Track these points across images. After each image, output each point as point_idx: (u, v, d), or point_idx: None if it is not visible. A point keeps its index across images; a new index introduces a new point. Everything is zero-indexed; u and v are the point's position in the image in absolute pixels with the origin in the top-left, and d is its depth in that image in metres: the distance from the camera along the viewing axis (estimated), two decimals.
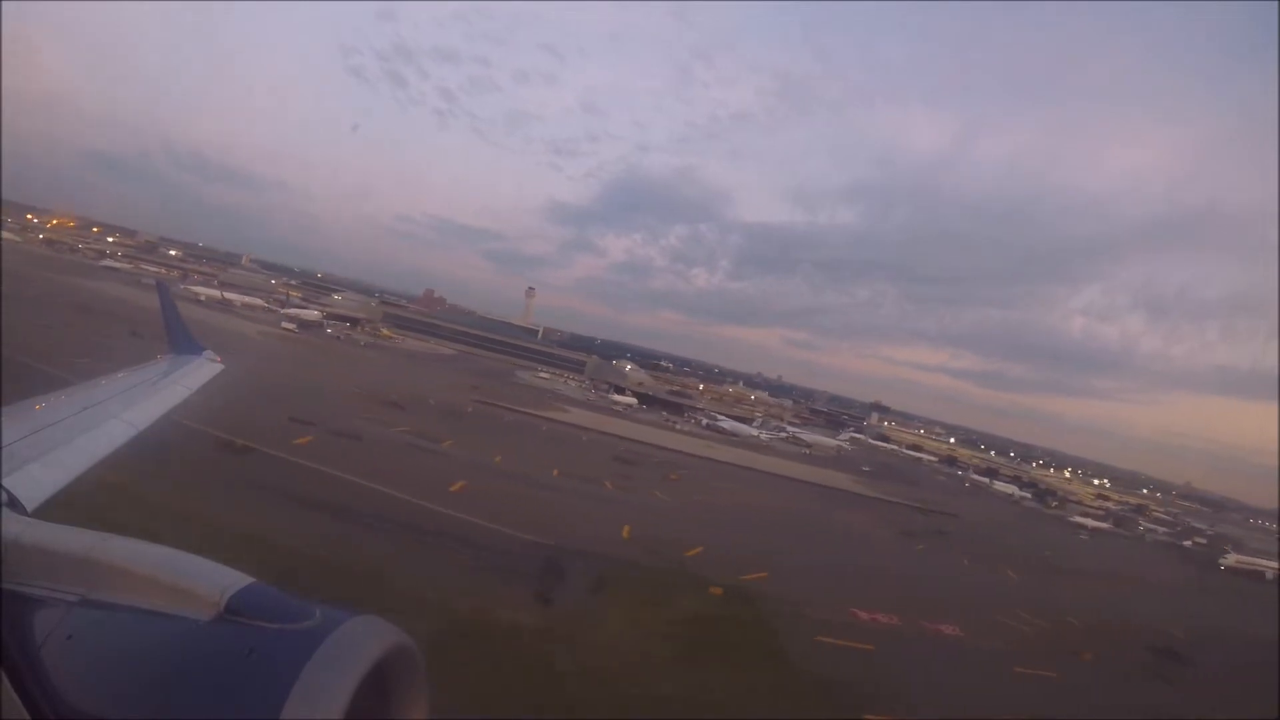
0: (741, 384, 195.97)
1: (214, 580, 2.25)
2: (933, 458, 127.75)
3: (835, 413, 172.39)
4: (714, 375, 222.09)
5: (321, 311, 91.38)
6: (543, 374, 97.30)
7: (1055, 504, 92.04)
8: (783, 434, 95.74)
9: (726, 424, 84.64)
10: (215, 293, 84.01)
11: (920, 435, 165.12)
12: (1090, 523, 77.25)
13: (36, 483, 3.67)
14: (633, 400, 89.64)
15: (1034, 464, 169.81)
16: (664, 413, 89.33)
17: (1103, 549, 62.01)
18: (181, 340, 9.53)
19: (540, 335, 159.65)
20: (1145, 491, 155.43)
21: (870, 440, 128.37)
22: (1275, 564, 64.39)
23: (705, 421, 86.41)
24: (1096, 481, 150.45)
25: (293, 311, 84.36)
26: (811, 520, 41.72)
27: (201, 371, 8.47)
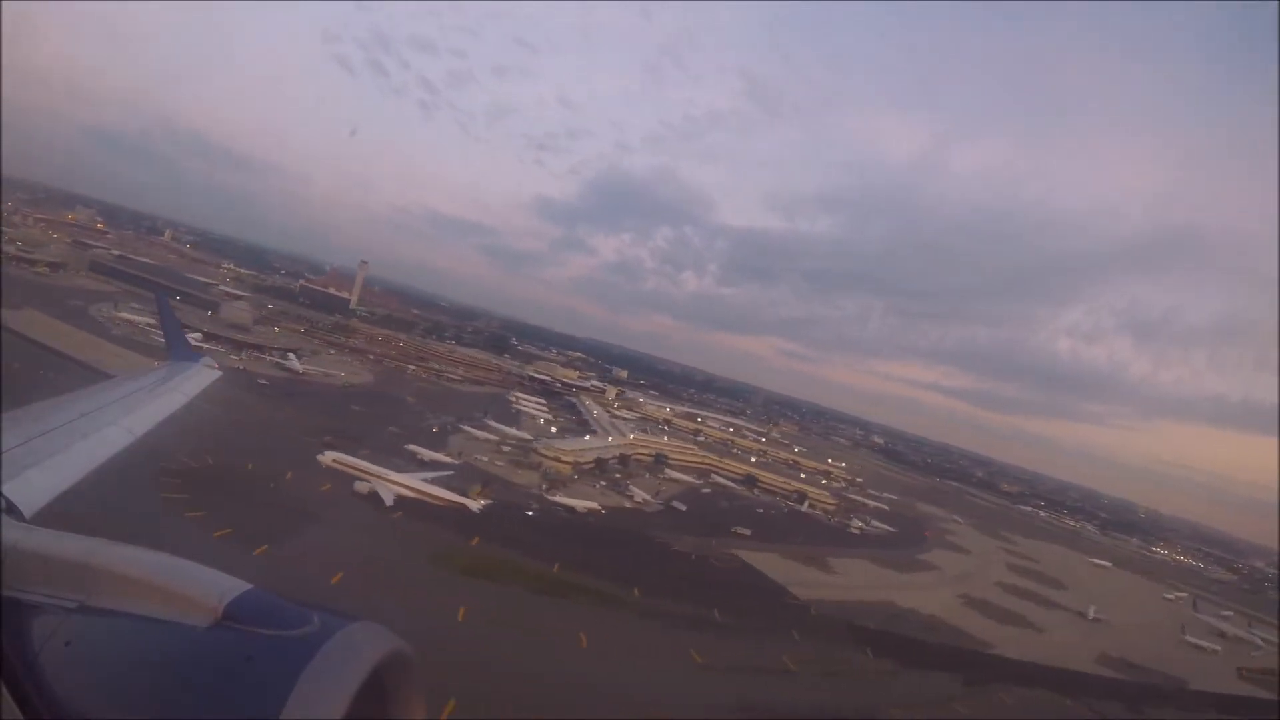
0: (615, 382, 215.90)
1: (212, 586, 2.27)
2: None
3: (550, 382, 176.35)
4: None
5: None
6: (134, 305, 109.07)
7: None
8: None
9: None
10: None
11: (669, 413, 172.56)
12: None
13: (34, 489, 3.64)
14: (136, 319, 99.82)
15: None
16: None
17: None
18: (180, 348, 9.52)
19: (353, 304, 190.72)
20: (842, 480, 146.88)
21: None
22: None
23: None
24: (757, 458, 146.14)
25: None
26: None
27: (199, 378, 8.39)
